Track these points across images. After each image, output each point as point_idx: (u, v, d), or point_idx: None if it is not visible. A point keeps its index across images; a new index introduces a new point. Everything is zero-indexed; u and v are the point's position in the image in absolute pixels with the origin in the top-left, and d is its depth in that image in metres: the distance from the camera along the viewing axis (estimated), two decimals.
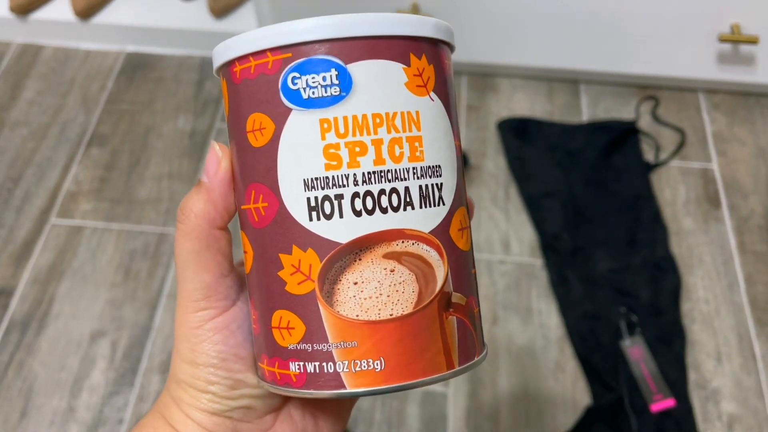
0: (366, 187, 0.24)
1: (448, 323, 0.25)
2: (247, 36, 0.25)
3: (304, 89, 0.24)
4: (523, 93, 1.16)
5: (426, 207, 0.25)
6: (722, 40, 1.01)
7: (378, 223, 0.24)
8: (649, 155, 1.07)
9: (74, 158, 1.09)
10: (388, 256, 0.24)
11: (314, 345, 0.25)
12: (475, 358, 0.27)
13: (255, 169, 0.25)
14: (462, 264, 0.26)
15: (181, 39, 1.22)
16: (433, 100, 0.25)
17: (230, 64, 0.26)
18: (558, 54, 1.11)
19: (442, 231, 0.25)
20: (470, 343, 0.27)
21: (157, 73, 1.20)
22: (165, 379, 0.88)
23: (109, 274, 0.96)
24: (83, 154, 1.09)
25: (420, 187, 0.25)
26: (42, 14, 1.23)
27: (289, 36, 0.24)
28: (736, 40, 1.01)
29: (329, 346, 0.25)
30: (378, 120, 0.24)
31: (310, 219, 0.24)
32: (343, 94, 0.24)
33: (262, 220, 0.25)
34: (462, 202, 0.27)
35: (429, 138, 0.25)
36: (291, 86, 0.24)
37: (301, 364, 0.25)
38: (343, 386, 0.25)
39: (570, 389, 0.86)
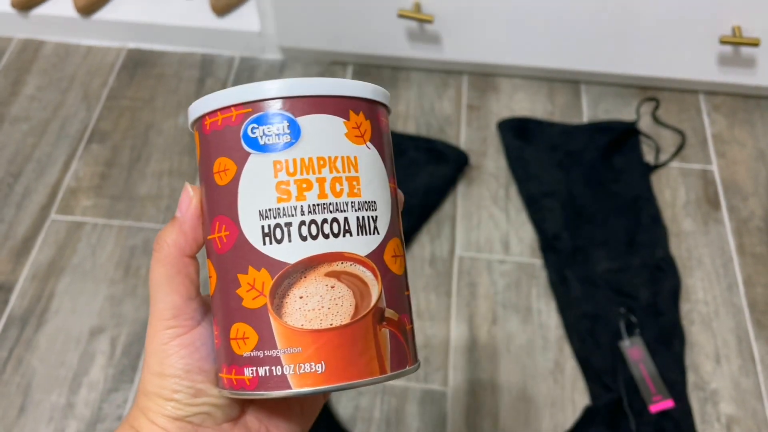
0: (311, 217, 0.28)
1: (381, 334, 0.30)
2: (215, 95, 0.30)
3: (261, 137, 0.29)
4: (523, 93, 1.16)
5: (362, 235, 0.29)
6: (723, 42, 1.01)
7: (321, 246, 0.29)
8: (649, 156, 1.07)
9: (75, 154, 1.09)
10: (329, 274, 0.29)
11: (265, 351, 0.29)
12: (407, 367, 0.31)
13: (219, 203, 0.30)
14: (395, 285, 0.31)
15: (183, 36, 1.22)
16: (369, 148, 0.30)
17: (202, 118, 0.30)
18: (559, 54, 1.11)
19: (377, 255, 0.30)
20: (401, 354, 0.30)
21: (158, 70, 1.20)
22: None
23: (108, 271, 0.96)
24: (84, 150, 1.09)
25: (357, 218, 0.29)
26: (43, 10, 1.23)
27: (250, 94, 0.29)
28: (737, 42, 1.01)
29: (278, 352, 0.28)
30: (322, 162, 0.29)
31: (264, 243, 0.28)
32: (293, 140, 0.29)
33: (224, 246, 0.30)
34: (396, 234, 0.31)
35: (365, 178, 0.30)
36: (250, 134, 0.29)
37: (254, 369, 0.29)
38: (289, 387, 0.28)
39: (569, 389, 0.86)
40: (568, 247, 0.97)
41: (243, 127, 0.29)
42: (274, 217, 0.28)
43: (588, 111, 1.13)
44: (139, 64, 1.21)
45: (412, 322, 0.32)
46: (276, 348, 0.28)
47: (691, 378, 0.87)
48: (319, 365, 0.28)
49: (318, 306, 0.28)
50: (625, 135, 1.07)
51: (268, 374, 0.29)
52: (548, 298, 0.93)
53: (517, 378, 0.87)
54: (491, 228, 1.00)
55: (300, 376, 0.28)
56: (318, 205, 0.29)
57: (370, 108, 0.31)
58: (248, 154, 0.29)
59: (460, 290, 0.94)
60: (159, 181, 1.05)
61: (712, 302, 0.93)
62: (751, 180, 1.05)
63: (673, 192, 1.04)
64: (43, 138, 1.11)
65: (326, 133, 0.29)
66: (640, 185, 1.03)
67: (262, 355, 0.29)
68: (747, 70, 1.09)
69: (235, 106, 0.29)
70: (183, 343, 0.31)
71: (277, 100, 0.29)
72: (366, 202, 0.30)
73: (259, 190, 0.29)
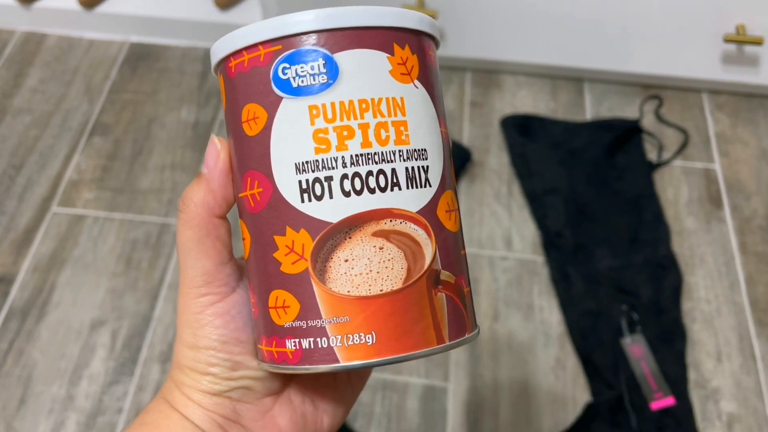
0: (354, 169, 0.25)
1: (438, 299, 0.26)
2: (240, 31, 0.26)
3: (294, 78, 0.25)
4: (527, 90, 1.16)
5: (412, 188, 0.26)
6: (727, 40, 1.01)
7: (366, 202, 0.25)
8: (652, 154, 1.07)
9: (77, 147, 1.09)
10: (377, 234, 0.25)
11: (308, 322, 0.26)
12: (466, 335, 0.27)
13: (250, 157, 0.27)
14: (450, 244, 0.27)
15: (186, 30, 1.21)
16: (417, 87, 0.26)
17: (226, 60, 0.27)
18: (562, 52, 1.11)
19: (429, 211, 0.26)
20: (460, 320, 0.27)
21: (160, 64, 1.20)
22: (165, 369, 0.88)
23: (110, 264, 0.96)
24: (86, 143, 1.09)
25: (406, 168, 0.26)
26: (46, 3, 1.23)
27: (279, 29, 0.25)
28: (741, 40, 1.01)
29: (322, 322, 0.25)
30: (364, 105, 0.25)
31: (302, 201, 0.25)
32: (330, 81, 0.25)
33: (258, 205, 0.27)
34: (449, 186, 0.28)
35: (414, 123, 0.26)
36: (281, 76, 0.25)
37: (297, 341, 0.26)
38: (336, 360, 0.25)
39: (570, 386, 0.86)
40: (570, 244, 0.96)
41: (273, 67, 0.26)
42: (313, 171, 0.25)
43: (591, 109, 1.13)
44: (141, 58, 1.21)
45: (469, 285, 0.29)
46: (320, 317, 0.25)
47: (692, 376, 0.87)
48: (369, 336, 0.25)
49: (366, 270, 0.25)
50: (628, 133, 1.07)
51: (312, 346, 0.26)
52: (550, 295, 0.93)
53: (519, 374, 0.87)
54: (493, 225, 1.00)
55: (348, 348, 0.25)
56: (361, 155, 0.25)
57: (417, 40, 0.27)
58: (280, 99, 0.26)
59: None
60: (161, 175, 1.05)
61: (713, 300, 0.93)
62: (754, 179, 1.05)
63: (675, 190, 1.03)
64: (45, 130, 1.11)
65: (368, 71, 0.25)
66: (643, 183, 1.02)
67: (305, 326, 0.26)
68: (751, 68, 1.09)
69: (262, 43, 0.26)
70: (217, 312, 0.28)
71: (311, 35, 0.25)
72: (415, 150, 0.26)
73: (294, 139, 0.25)
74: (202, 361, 0.28)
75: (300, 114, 0.25)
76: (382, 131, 0.25)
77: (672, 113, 1.13)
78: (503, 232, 0.99)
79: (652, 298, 0.91)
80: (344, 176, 0.25)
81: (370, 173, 0.25)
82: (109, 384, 0.86)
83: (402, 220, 0.26)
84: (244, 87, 0.26)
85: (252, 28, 0.26)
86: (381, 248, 0.25)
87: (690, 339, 0.89)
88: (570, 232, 0.98)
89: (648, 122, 1.11)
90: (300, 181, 0.25)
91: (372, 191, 0.25)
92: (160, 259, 0.96)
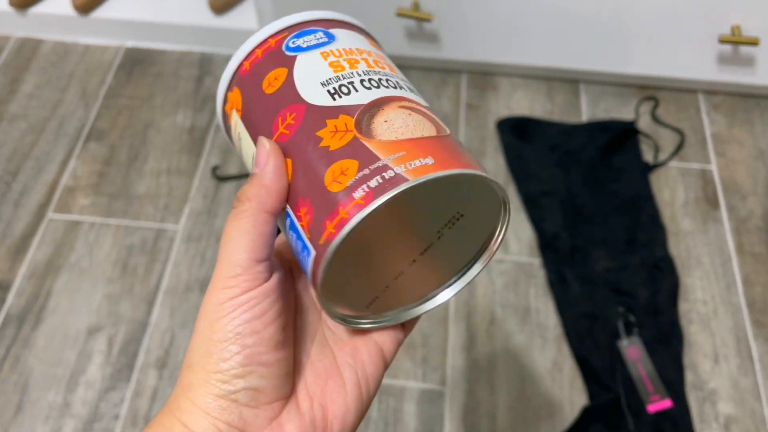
0: (368, 76, 0.31)
1: (464, 150, 0.31)
2: (246, 44, 0.32)
3: (303, 43, 0.32)
4: (522, 92, 1.16)
5: (413, 93, 0.32)
6: (723, 41, 1.01)
7: (386, 91, 0.30)
8: (648, 156, 1.07)
9: (72, 153, 1.09)
10: (403, 107, 0.30)
11: (370, 167, 0.27)
12: (485, 174, 0.30)
13: (277, 103, 0.30)
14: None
15: (181, 34, 1.21)
16: (381, 55, 0.34)
17: (239, 68, 0.33)
18: (558, 53, 1.11)
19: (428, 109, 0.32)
20: (478, 165, 0.31)
21: (156, 69, 1.20)
22: (161, 374, 0.87)
23: (106, 270, 0.96)
24: (81, 148, 1.09)
25: (404, 82, 0.32)
26: (41, 8, 1.23)
27: (283, 23, 0.32)
28: (736, 41, 1.01)
29: (383, 161, 0.27)
30: (359, 50, 0.32)
31: (334, 99, 0.30)
32: (331, 40, 0.32)
33: (294, 125, 0.30)
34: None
35: (391, 67, 0.33)
36: (291, 45, 0.32)
37: (365, 185, 0.27)
38: (406, 180, 0.27)
39: (567, 389, 0.86)
40: (567, 246, 0.96)
41: (284, 44, 0.32)
42: (336, 81, 0.30)
43: (587, 110, 1.13)
44: (137, 63, 1.21)
45: None
46: (380, 159, 0.27)
47: (689, 377, 0.87)
48: (428, 158, 0.27)
49: (404, 125, 0.29)
50: (624, 134, 1.07)
51: (381, 181, 0.27)
52: (547, 297, 0.93)
53: (516, 378, 0.87)
54: None
55: (413, 170, 0.27)
56: (370, 71, 0.31)
57: (362, 31, 0.36)
58: (294, 56, 0.31)
59: None
60: (157, 180, 1.05)
61: (710, 302, 0.93)
62: (750, 179, 1.05)
63: (672, 191, 1.03)
64: (41, 136, 1.11)
65: (356, 38, 0.33)
66: (639, 185, 1.02)
67: (368, 171, 0.27)
68: (746, 69, 1.08)
69: (271, 36, 0.32)
70: (237, 303, 0.28)
71: (310, 22, 0.33)
72: (400, 78, 0.33)
73: (314, 71, 0.31)
74: (214, 354, 0.28)
75: (314, 58, 0.31)
76: (379, 62, 0.32)
77: (668, 114, 1.13)
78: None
79: (648, 300, 0.91)
80: (362, 80, 0.30)
81: (381, 78, 0.31)
82: (105, 390, 0.86)
83: (416, 105, 0.31)
84: (260, 69, 0.32)
85: (258, 33, 0.32)
86: (410, 114, 0.30)
87: (687, 341, 0.89)
88: (566, 234, 0.98)
89: (644, 123, 1.11)
90: (328, 90, 0.30)
91: (386, 87, 0.31)
92: (156, 264, 0.96)
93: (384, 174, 0.27)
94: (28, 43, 1.24)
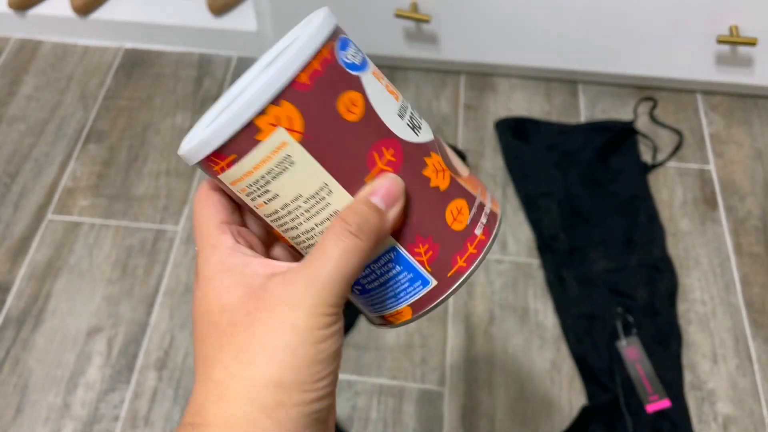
0: (409, 106, 0.32)
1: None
2: (293, 50, 0.28)
3: (353, 58, 0.30)
4: (521, 93, 1.16)
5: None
6: (720, 41, 1.01)
7: (425, 123, 0.33)
8: (646, 156, 1.07)
9: (72, 154, 1.09)
10: (439, 138, 0.33)
11: (474, 204, 0.32)
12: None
13: (366, 135, 0.29)
14: None
15: (180, 36, 1.22)
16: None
17: (294, 81, 0.28)
18: (556, 54, 1.11)
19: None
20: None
21: (155, 70, 1.20)
22: (161, 376, 0.87)
23: (106, 271, 0.96)
24: (81, 150, 1.09)
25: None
26: (41, 10, 1.23)
27: (327, 27, 0.29)
28: (734, 41, 1.01)
29: (478, 198, 0.33)
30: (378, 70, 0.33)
31: (417, 135, 0.31)
32: (365, 58, 0.31)
33: (395, 165, 0.30)
34: None
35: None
36: (347, 60, 0.30)
37: (479, 223, 0.32)
38: (497, 214, 0.34)
39: (566, 389, 0.86)
40: (565, 246, 0.97)
41: (339, 57, 0.29)
42: (404, 112, 0.31)
43: (585, 111, 1.13)
44: (136, 64, 1.21)
45: None
46: (475, 197, 0.33)
47: (687, 378, 0.87)
48: (489, 193, 0.34)
49: (457, 159, 0.33)
50: (622, 135, 1.07)
51: (488, 218, 0.33)
52: (545, 297, 0.93)
53: (514, 378, 0.87)
54: None
55: (495, 202, 0.34)
56: (402, 96, 0.33)
57: None
58: (358, 77, 0.30)
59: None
60: (156, 181, 1.05)
61: (709, 302, 0.93)
62: (749, 179, 1.05)
63: (670, 192, 1.04)
64: (40, 138, 1.11)
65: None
66: (638, 185, 1.03)
67: (476, 210, 0.32)
68: (744, 69, 1.09)
69: (322, 45, 0.29)
70: (339, 327, 0.28)
71: (339, 29, 0.30)
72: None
73: (384, 99, 0.30)
74: (315, 374, 0.27)
75: (374, 81, 0.30)
76: (392, 85, 0.33)
77: (666, 114, 1.13)
78: (498, 235, 0.99)
79: (647, 300, 0.92)
80: (413, 110, 0.32)
81: (411, 106, 0.33)
82: (105, 392, 0.86)
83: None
84: (328, 88, 0.28)
85: (308, 38, 0.28)
86: (449, 147, 0.34)
87: (685, 341, 0.90)
88: (565, 234, 0.98)
89: (642, 124, 1.11)
90: (407, 124, 0.31)
91: (421, 117, 0.33)
92: (155, 265, 0.96)
93: (485, 210, 0.33)
94: (27, 44, 1.25)
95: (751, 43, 1.00)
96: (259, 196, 0.30)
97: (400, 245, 0.31)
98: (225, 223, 0.31)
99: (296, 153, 0.28)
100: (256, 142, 0.28)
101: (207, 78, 1.19)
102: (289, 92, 0.28)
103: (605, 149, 1.06)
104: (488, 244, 0.33)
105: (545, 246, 0.97)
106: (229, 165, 0.29)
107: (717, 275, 0.95)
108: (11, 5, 1.21)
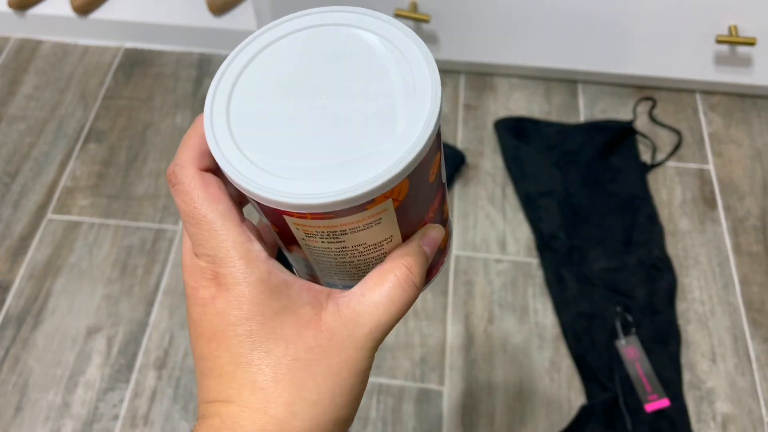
0: None
1: None
2: (420, 129, 0.26)
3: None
4: (520, 92, 1.16)
5: None
6: (720, 41, 1.01)
7: None
8: (645, 156, 1.07)
9: (72, 154, 1.09)
10: None
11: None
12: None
13: (435, 189, 0.30)
14: None
15: (180, 35, 1.22)
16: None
17: (417, 158, 0.26)
18: (556, 54, 1.11)
19: None
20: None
21: (155, 70, 1.20)
22: (160, 375, 0.88)
23: (105, 270, 0.96)
24: (81, 149, 1.09)
25: None
26: (40, 9, 1.23)
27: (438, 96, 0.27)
28: (733, 41, 1.01)
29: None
30: None
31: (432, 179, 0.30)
32: None
33: (434, 210, 0.31)
34: None
35: None
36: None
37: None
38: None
39: (565, 388, 0.86)
40: (565, 246, 0.97)
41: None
42: None
43: (585, 110, 1.14)
44: (136, 64, 1.21)
45: None
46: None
47: (686, 377, 0.87)
48: None
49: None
50: (621, 134, 1.07)
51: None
52: (544, 297, 0.93)
53: (514, 377, 0.87)
54: (488, 227, 1.00)
55: None
56: None
57: None
58: (440, 134, 0.29)
59: (457, 289, 0.94)
60: (156, 181, 1.05)
61: (708, 301, 0.93)
62: (748, 179, 1.05)
63: (669, 191, 1.04)
64: (40, 137, 1.11)
65: None
66: (637, 184, 1.03)
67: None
68: (743, 69, 1.09)
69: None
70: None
71: None
72: None
73: None
74: (358, 397, 0.28)
75: None
76: None
77: (665, 114, 1.13)
78: (497, 234, 0.99)
79: (646, 300, 0.92)
80: None
81: None
82: (104, 391, 0.86)
83: None
84: (430, 151, 0.26)
85: (429, 115, 0.26)
86: None
87: (684, 340, 0.90)
88: (564, 234, 0.98)
89: (641, 123, 1.12)
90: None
91: None
92: (155, 265, 0.97)
93: None
94: (27, 44, 1.25)
95: (750, 42, 1.00)
96: (322, 240, 0.27)
97: None
98: (243, 222, 0.27)
99: (387, 215, 0.27)
100: (363, 209, 0.26)
101: (207, 78, 1.19)
102: (412, 167, 0.26)
103: (605, 149, 1.06)
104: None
105: (544, 245, 0.97)
106: (316, 218, 0.26)
107: (716, 275, 0.95)
108: (11, 5, 1.21)
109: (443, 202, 0.32)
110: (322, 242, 0.28)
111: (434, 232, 0.31)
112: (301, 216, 0.26)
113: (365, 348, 0.27)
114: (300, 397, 0.25)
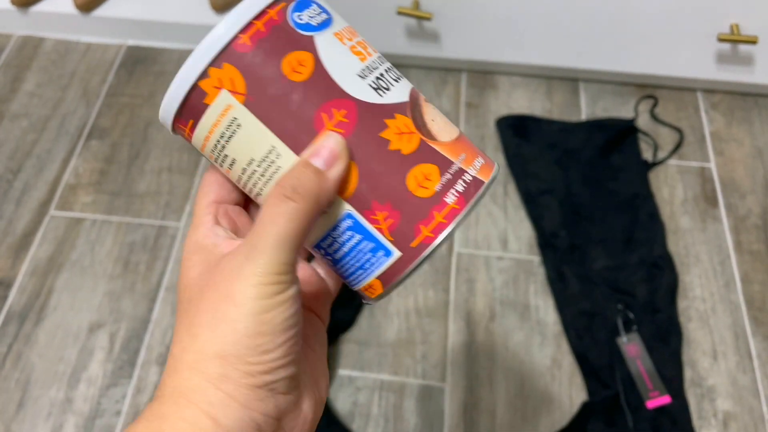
0: (386, 65, 0.31)
1: None
2: (233, 15, 0.28)
3: (310, 20, 0.29)
4: (522, 91, 1.16)
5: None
6: (721, 39, 1.02)
7: (407, 84, 0.31)
8: (647, 154, 1.08)
9: (74, 151, 1.09)
10: (426, 101, 0.32)
11: (449, 171, 0.30)
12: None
13: (314, 95, 0.29)
14: None
15: (182, 33, 1.22)
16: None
17: (233, 40, 0.28)
18: (557, 52, 1.12)
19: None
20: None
21: (157, 67, 1.20)
22: (163, 371, 0.88)
23: (107, 267, 0.96)
24: (83, 146, 1.10)
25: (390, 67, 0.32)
26: (43, 7, 1.23)
27: None
28: (735, 40, 1.01)
29: (456, 164, 0.30)
30: (352, 30, 0.31)
31: (381, 96, 0.29)
32: (330, 17, 0.30)
33: (350, 124, 0.29)
34: None
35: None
36: (299, 21, 0.29)
37: (453, 191, 0.30)
38: (482, 182, 0.30)
39: (566, 385, 0.87)
40: (566, 244, 0.97)
41: (289, 19, 0.29)
42: (370, 73, 0.30)
43: (586, 109, 1.14)
44: (138, 61, 1.21)
45: None
46: (453, 162, 0.30)
47: (688, 374, 0.87)
48: (479, 158, 0.31)
49: (444, 123, 0.31)
50: (623, 133, 1.08)
51: (466, 185, 0.30)
52: (546, 294, 0.94)
53: (515, 374, 0.87)
54: (489, 225, 1.00)
55: (480, 170, 0.31)
56: (379, 57, 0.31)
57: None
58: (311, 36, 0.29)
59: (458, 287, 0.94)
60: (158, 178, 1.05)
61: (709, 299, 0.93)
62: (749, 178, 1.05)
63: (671, 189, 1.04)
64: (42, 134, 1.11)
65: (338, 14, 0.32)
66: (638, 183, 1.03)
67: (450, 176, 0.30)
68: (745, 68, 1.09)
69: (268, 7, 0.29)
70: (285, 298, 0.27)
71: None
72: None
73: (342, 60, 0.29)
74: (260, 346, 0.27)
75: (333, 41, 0.30)
76: (369, 47, 0.31)
77: (667, 113, 1.13)
78: (499, 232, 0.99)
79: (647, 297, 0.92)
80: (387, 69, 0.31)
81: (389, 68, 0.31)
82: (107, 387, 0.86)
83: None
84: (271, 47, 0.28)
85: (246, 4, 0.28)
86: (436, 110, 0.32)
87: (686, 338, 0.90)
88: (566, 231, 0.98)
89: (643, 122, 1.12)
90: (369, 84, 0.29)
91: (399, 79, 0.31)
92: (157, 261, 0.97)
93: (464, 177, 0.30)
94: (29, 41, 1.25)
95: (752, 41, 1.01)
96: (222, 163, 0.30)
97: (356, 211, 0.29)
98: (215, 202, 0.32)
99: (242, 115, 0.28)
100: (205, 106, 0.29)
101: None
102: (230, 53, 0.28)
103: (606, 147, 1.06)
104: (461, 213, 0.29)
105: (546, 243, 0.97)
106: (192, 130, 0.30)
107: (717, 273, 0.95)
108: (14, 2, 1.21)
109: (377, 121, 0.29)
110: (228, 168, 0.30)
111: (324, 140, 0.28)
112: (184, 134, 0.30)
113: (242, 276, 0.27)
114: (187, 332, 0.28)
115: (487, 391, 0.86)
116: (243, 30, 0.28)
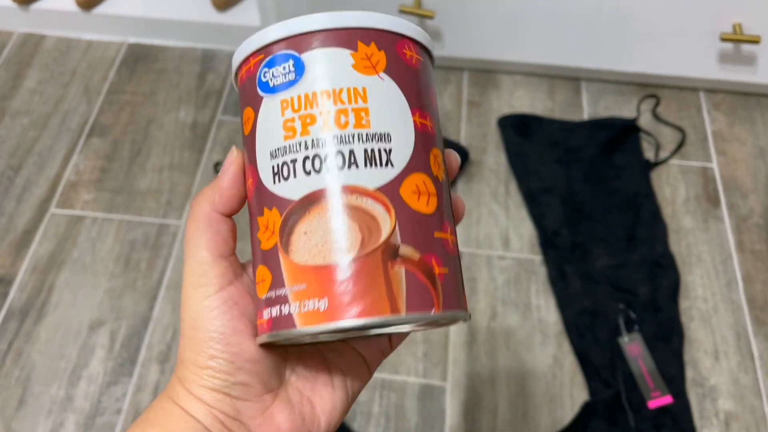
0: (315, 151, 0.28)
1: (395, 273, 0.27)
2: (243, 45, 0.30)
3: (271, 80, 0.29)
4: (524, 90, 1.16)
5: (371, 167, 0.28)
6: (724, 39, 1.01)
7: (324, 180, 0.27)
8: (649, 153, 1.07)
9: (75, 148, 1.09)
10: (338, 207, 0.28)
11: (276, 291, 0.28)
12: (432, 312, 0.27)
13: (247, 153, 0.30)
14: (416, 222, 0.28)
15: (184, 31, 1.22)
16: (382, 79, 0.29)
17: (238, 72, 0.32)
18: (560, 51, 1.11)
19: (390, 189, 0.28)
20: (423, 295, 0.27)
21: (159, 65, 1.20)
22: (163, 369, 0.88)
23: (108, 264, 0.96)
24: (84, 144, 1.09)
25: (365, 150, 0.28)
26: (44, 4, 1.23)
27: (259, 41, 0.29)
28: (737, 39, 1.01)
29: (286, 290, 0.27)
30: (326, 95, 0.28)
31: (274, 182, 0.28)
32: (297, 78, 0.28)
33: (250, 193, 0.30)
34: (422, 169, 0.29)
35: (376, 109, 0.28)
36: (263, 79, 0.29)
37: (269, 310, 0.28)
38: (294, 326, 0.27)
39: (568, 385, 0.86)
40: (568, 243, 0.97)
41: (258, 73, 0.30)
42: (282, 155, 0.28)
43: (588, 108, 1.14)
44: (139, 59, 1.21)
45: (447, 266, 0.29)
46: (284, 286, 0.27)
47: (689, 374, 0.87)
48: (322, 302, 0.26)
49: (320, 242, 0.27)
50: (625, 132, 1.07)
51: (278, 314, 0.28)
52: (547, 294, 0.94)
53: (516, 373, 0.87)
54: (491, 224, 1.00)
55: (304, 314, 0.27)
56: (321, 138, 0.28)
57: (385, 38, 0.29)
58: (261, 98, 0.29)
59: None
60: (159, 176, 1.05)
61: (711, 299, 0.93)
62: (751, 177, 1.05)
63: (673, 189, 1.04)
64: (43, 132, 1.11)
65: (330, 66, 0.28)
66: (640, 182, 1.03)
67: (274, 296, 0.28)
68: (747, 67, 1.09)
69: (252, 55, 0.30)
70: (213, 304, 0.29)
71: (281, 42, 0.29)
72: (376, 133, 0.28)
73: (270, 131, 0.29)
74: (203, 353, 0.29)
75: (274, 108, 0.29)
76: (342, 117, 0.28)
77: (669, 112, 1.13)
78: (501, 231, 0.99)
79: (649, 297, 0.92)
80: (306, 158, 0.28)
81: (328, 154, 0.27)
82: (107, 384, 0.86)
83: (357, 196, 0.27)
84: (243, 94, 0.31)
85: (246, 43, 0.30)
86: (338, 221, 0.27)
87: (687, 337, 0.90)
88: (567, 231, 0.98)
89: (645, 121, 1.12)
90: (273, 166, 0.28)
91: (329, 170, 0.27)
92: (158, 259, 0.97)
93: (282, 307, 0.27)
94: (30, 38, 1.25)
95: (755, 41, 1.00)
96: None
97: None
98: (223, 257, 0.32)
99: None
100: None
101: (210, 73, 1.19)
102: (238, 79, 0.32)
103: (608, 146, 1.06)
104: (264, 337, 0.28)
105: (547, 242, 0.97)
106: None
107: (719, 272, 0.95)
108: (15, 0, 1.21)
109: (260, 206, 0.29)
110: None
111: (229, 153, 0.31)
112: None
113: (193, 286, 0.30)
114: (181, 346, 0.30)
115: (488, 391, 0.86)
116: (242, 64, 0.31)
